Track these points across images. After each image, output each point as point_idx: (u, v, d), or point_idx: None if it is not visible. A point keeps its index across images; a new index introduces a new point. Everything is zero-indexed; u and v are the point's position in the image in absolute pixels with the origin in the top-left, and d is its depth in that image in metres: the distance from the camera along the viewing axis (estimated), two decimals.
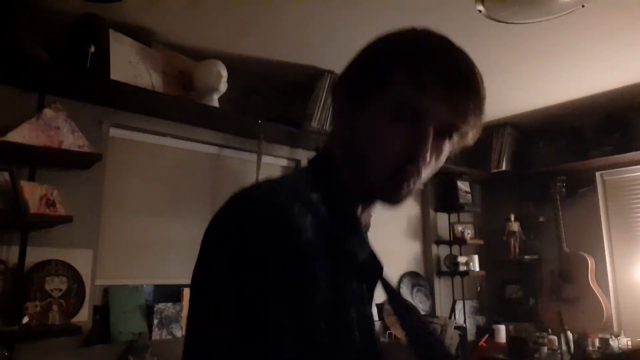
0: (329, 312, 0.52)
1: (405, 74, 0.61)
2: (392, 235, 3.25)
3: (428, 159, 0.62)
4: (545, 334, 3.05)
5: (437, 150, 0.65)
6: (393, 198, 0.65)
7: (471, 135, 0.68)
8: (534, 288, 3.43)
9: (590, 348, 2.87)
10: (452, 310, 3.41)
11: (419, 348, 0.67)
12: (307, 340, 0.48)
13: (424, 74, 0.60)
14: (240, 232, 0.52)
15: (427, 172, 0.65)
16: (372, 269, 0.68)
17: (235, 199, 0.57)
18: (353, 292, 0.60)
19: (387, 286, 0.70)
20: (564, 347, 2.85)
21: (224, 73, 2.29)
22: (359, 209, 0.68)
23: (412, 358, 0.65)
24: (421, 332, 0.71)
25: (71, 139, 1.90)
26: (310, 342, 0.49)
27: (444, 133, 0.64)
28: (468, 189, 3.57)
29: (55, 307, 1.79)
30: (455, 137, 0.66)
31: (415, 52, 0.62)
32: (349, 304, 0.58)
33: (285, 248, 0.50)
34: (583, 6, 1.89)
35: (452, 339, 2.96)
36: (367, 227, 0.72)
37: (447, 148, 0.67)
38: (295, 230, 0.51)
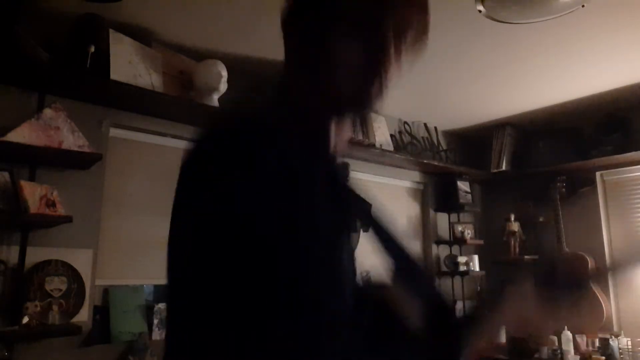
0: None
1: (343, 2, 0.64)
2: None
3: (394, 63, 0.64)
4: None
5: (398, 50, 0.66)
6: (364, 100, 0.64)
7: (422, 27, 0.71)
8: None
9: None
10: None
11: (404, 279, 0.68)
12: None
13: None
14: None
15: (396, 73, 0.66)
16: (337, 195, 0.65)
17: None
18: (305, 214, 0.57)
19: (368, 216, 0.70)
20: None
21: (224, 73, 2.29)
22: (329, 129, 0.68)
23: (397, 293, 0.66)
24: (405, 260, 0.70)
25: (71, 139, 1.90)
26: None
27: (400, 32, 0.66)
28: (468, 189, 3.57)
29: (55, 307, 1.79)
30: (411, 33, 0.68)
31: None
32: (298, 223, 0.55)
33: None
34: (583, 6, 1.90)
35: None
36: (342, 153, 0.72)
37: (408, 44, 0.68)
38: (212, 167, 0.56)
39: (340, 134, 0.70)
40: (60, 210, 1.81)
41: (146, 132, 2.26)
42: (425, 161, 3.23)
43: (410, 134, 3.39)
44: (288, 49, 0.71)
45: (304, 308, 0.51)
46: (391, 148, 3.10)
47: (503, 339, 3.20)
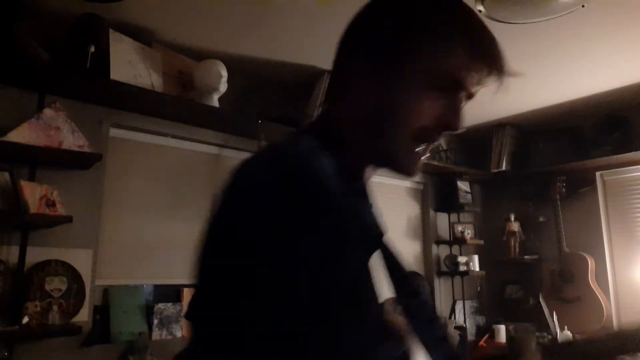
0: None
1: (455, 44, 0.58)
2: (392, 235, 3.25)
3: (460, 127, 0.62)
4: (545, 333, 3.05)
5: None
6: (411, 169, 0.64)
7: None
8: (534, 288, 3.43)
9: None
10: (452, 310, 3.41)
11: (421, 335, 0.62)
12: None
13: (471, 46, 0.59)
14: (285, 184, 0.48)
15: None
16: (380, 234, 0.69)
17: (270, 153, 0.55)
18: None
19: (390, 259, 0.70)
20: None
21: (224, 73, 2.29)
22: (366, 173, 0.67)
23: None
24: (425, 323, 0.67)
25: (71, 139, 1.90)
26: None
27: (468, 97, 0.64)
28: (468, 189, 3.57)
29: (55, 307, 1.79)
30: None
31: (461, 20, 0.60)
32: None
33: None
34: (583, 6, 1.89)
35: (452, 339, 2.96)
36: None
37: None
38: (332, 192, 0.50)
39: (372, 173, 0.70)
40: (60, 210, 1.81)
41: (146, 132, 2.26)
42: (425, 161, 3.23)
43: None
44: (345, 76, 0.64)
45: None
46: None
47: (503, 338, 3.20)
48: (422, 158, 0.64)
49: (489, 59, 0.60)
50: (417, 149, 0.62)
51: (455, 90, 0.60)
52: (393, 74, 0.60)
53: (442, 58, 0.58)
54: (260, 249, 0.46)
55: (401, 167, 0.63)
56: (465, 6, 0.62)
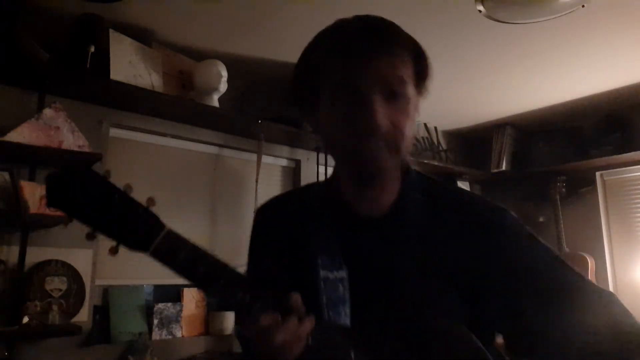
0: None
1: (313, 67, 0.72)
2: None
3: (382, 125, 0.64)
4: None
5: (396, 112, 0.67)
6: (361, 176, 0.73)
7: (422, 79, 0.74)
8: None
9: None
10: None
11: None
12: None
13: (323, 60, 0.72)
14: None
15: (399, 135, 0.67)
16: None
17: None
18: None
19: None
20: None
21: (224, 73, 2.29)
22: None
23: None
24: None
25: (71, 139, 1.90)
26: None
27: (390, 95, 0.67)
28: (468, 189, 3.57)
29: (55, 307, 1.79)
30: (405, 90, 0.68)
31: (313, 48, 0.76)
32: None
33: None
34: (583, 6, 1.89)
35: None
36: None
37: (408, 105, 0.69)
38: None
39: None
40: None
41: (146, 132, 2.26)
42: (425, 161, 3.23)
43: None
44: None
45: None
46: None
47: None
48: (379, 158, 0.71)
49: (343, 57, 0.71)
50: (359, 155, 0.73)
51: (354, 96, 0.68)
52: (310, 111, 0.82)
53: (319, 80, 0.76)
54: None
55: (351, 183, 0.83)
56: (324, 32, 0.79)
